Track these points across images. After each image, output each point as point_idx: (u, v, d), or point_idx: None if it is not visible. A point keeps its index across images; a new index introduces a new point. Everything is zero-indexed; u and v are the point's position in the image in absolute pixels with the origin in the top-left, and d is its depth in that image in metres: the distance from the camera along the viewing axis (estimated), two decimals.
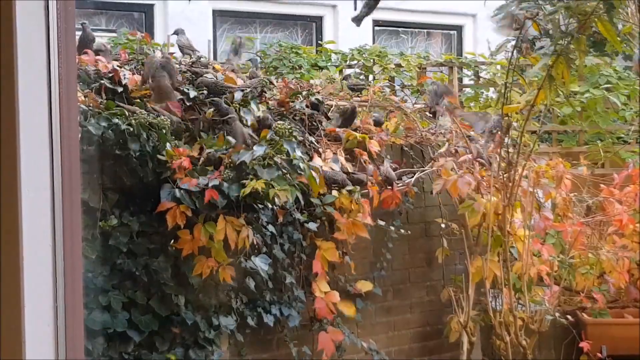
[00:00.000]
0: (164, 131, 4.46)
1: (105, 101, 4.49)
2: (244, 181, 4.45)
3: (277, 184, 4.43)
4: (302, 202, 4.89)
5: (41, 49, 1.75)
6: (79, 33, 5.09)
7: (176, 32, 5.69)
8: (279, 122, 4.83)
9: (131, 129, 4.32)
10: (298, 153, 4.62)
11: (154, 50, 5.61)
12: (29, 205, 1.73)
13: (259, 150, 4.46)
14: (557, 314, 5.72)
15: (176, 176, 4.43)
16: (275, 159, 4.49)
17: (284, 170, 4.51)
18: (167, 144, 4.47)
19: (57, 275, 1.78)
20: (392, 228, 5.67)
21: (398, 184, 5.49)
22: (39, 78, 1.76)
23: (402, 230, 5.72)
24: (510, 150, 5.50)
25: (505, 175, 5.42)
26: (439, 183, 5.43)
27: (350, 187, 5.19)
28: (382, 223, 5.55)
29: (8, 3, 1.70)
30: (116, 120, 4.31)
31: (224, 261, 4.60)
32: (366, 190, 5.28)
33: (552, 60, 4.81)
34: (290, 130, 4.63)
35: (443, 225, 5.83)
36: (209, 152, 4.61)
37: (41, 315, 1.76)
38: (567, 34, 4.73)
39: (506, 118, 5.40)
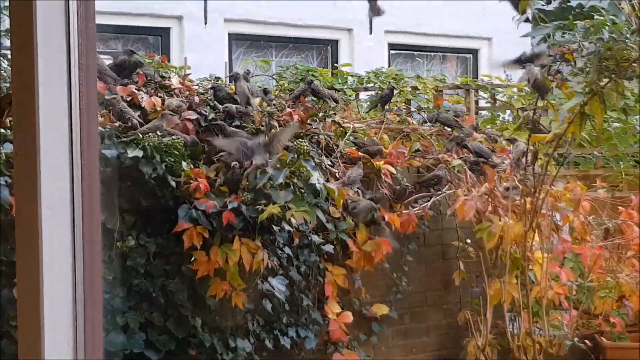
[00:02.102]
0: (179, 152, 4.47)
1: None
2: (261, 206, 4.45)
3: (294, 205, 4.43)
4: (319, 225, 4.88)
5: (61, 50, 1.75)
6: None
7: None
8: (298, 139, 4.83)
9: (143, 154, 4.33)
10: (315, 175, 4.62)
11: (170, 73, 5.63)
12: (49, 221, 1.73)
13: (278, 176, 4.46)
14: (575, 339, 5.66)
15: (195, 197, 4.43)
16: (292, 180, 4.49)
17: (301, 191, 4.51)
18: (183, 164, 4.48)
19: (77, 295, 1.77)
20: (408, 257, 5.66)
21: (414, 206, 5.48)
22: (59, 80, 1.76)
23: (412, 258, 5.71)
24: (531, 176, 5.48)
25: (528, 201, 5.40)
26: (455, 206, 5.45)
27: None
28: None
29: (28, 3, 1.70)
30: (128, 150, 4.33)
31: (239, 285, 4.58)
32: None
33: (586, 97, 4.79)
34: (308, 149, 4.63)
35: (468, 241, 5.79)
36: (229, 173, 4.61)
37: (61, 336, 1.75)
38: (606, 76, 4.71)
39: (532, 147, 5.38)
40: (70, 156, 1.77)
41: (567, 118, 5.04)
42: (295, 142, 4.72)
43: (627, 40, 4.55)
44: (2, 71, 4.23)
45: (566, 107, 5.00)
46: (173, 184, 4.45)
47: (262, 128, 5.07)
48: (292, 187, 4.53)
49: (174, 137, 4.55)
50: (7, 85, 3.88)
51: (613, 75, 4.68)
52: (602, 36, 4.66)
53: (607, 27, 4.65)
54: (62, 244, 1.75)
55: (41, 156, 1.72)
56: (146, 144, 4.37)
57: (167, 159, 4.43)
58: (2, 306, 3.98)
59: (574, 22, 4.93)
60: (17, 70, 1.77)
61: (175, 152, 4.47)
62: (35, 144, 1.72)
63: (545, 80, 5.14)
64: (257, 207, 4.49)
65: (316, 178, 4.62)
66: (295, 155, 4.60)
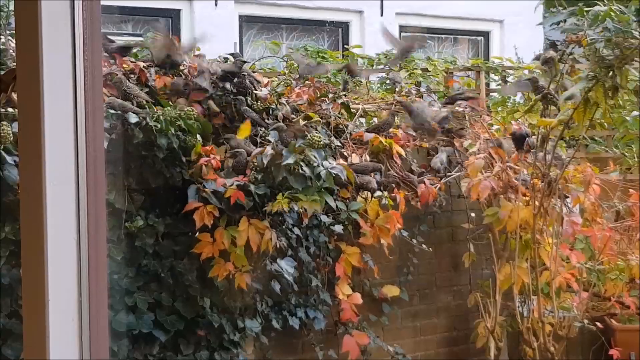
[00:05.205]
0: (192, 122, 4.46)
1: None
2: (269, 184, 4.45)
3: (304, 194, 4.43)
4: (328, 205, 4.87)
5: (66, 48, 1.74)
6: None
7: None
8: (313, 133, 4.79)
9: (159, 126, 4.31)
10: (325, 163, 4.60)
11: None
12: (54, 200, 1.72)
13: (289, 158, 4.44)
14: (585, 321, 5.65)
15: (204, 177, 4.43)
16: (304, 168, 4.48)
17: (311, 178, 4.51)
18: (198, 136, 4.47)
19: (82, 271, 1.76)
20: (415, 241, 5.64)
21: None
22: (64, 77, 1.75)
23: (424, 246, 5.68)
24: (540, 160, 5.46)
25: (538, 185, 5.38)
26: (466, 182, 5.42)
27: (378, 194, 5.16)
28: (405, 234, 5.51)
29: (34, 3, 1.70)
30: (144, 114, 4.33)
31: (243, 266, 4.57)
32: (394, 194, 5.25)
33: (590, 84, 4.77)
34: (322, 143, 4.61)
35: (472, 214, 5.78)
36: (237, 151, 4.59)
37: (65, 312, 1.74)
38: (609, 65, 4.68)
39: (543, 130, 5.36)
40: (75, 132, 1.76)
41: (572, 104, 5.01)
42: (309, 136, 4.68)
43: (633, 31, 4.53)
44: (11, 50, 4.23)
45: (567, 93, 4.97)
46: (184, 159, 4.45)
47: (272, 107, 5.05)
48: (303, 175, 4.51)
49: (187, 109, 4.54)
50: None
51: (615, 63, 4.65)
52: (607, 25, 4.63)
53: (612, 18, 4.61)
54: (67, 220, 1.74)
55: (46, 132, 1.71)
56: (160, 115, 4.36)
57: (179, 134, 4.42)
58: (13, 286, 3.99)
59: (585, 10, 4.91)
60: (21, 45, 1.76)
61: (190, 121, 4.45)
62: (40, 119, 1.71)
63: (555, 64, 5.12)
64: (266, 184, 4.49)
65: (323, 170, 4.58)
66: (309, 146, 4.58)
